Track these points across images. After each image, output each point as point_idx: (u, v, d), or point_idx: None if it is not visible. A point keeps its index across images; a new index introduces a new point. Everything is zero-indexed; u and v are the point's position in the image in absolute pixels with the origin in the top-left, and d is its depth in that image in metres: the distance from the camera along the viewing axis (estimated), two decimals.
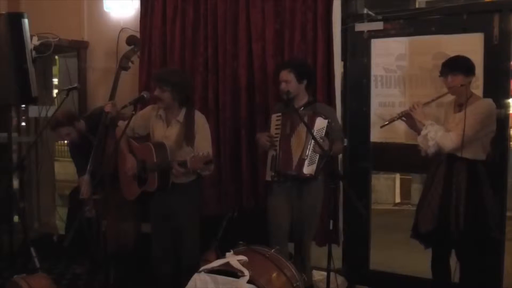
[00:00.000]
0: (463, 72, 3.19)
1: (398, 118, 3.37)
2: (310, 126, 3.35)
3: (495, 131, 3.29)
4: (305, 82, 3.54)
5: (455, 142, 3.16)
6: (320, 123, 3.42)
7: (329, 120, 3.45)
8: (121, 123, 3.72)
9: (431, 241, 3.40)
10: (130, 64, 4.10)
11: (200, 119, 3.59)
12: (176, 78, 3.53)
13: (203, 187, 3.95)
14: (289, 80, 3.50)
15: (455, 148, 3.18)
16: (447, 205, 3.23)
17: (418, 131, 3.33)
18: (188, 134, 3.49)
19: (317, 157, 3.43)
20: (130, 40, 4.14)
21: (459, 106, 3.28)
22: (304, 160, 3.42)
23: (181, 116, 3.55)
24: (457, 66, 3.21)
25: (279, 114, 3.58)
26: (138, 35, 4.70)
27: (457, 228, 3.17)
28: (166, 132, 3.57)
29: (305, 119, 3.36)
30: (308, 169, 3.43)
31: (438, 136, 3.20)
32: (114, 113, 3.86)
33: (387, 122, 3.44)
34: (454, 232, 3.18)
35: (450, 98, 3.40)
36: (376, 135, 4.03)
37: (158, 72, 3.84)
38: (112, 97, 3.98)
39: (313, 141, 3.37)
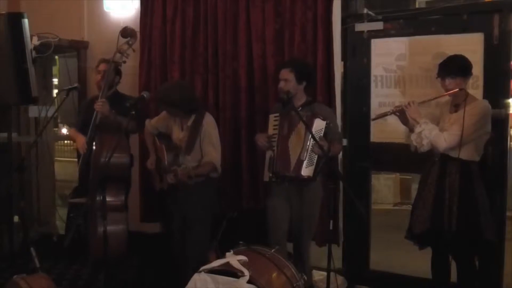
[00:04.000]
0: (461, 75, 3.18)
1: (391, 113, 3.35)
2: (309, 126, 3.34)
3: (493, 132, 3.28)
4: (304, 83, 3.53)
5: (449, 142, 3.16)
6: (319, 125, 3.40)
7: (328, 122, 3.43)
8: (147, 122, 3.89)
9: (425, 242, 3.40)
10: (124, 59, 3.93)
11: (208, 123, 3.65)
12: (174, 95, 3.55)
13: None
14: (288, 79, 3.49)
15: (448, 148, 3.18)
16: (440, 206, 3.22)
17: (410, 127, 3.32)
18: (189, 143, 3.59)
19: (316, 158, 3.42)
20: (125, 32, 3.94)
21: (455, 106, 3.28)
22: (302, 161, 3.41)
23: (190, 121, 3.65)
24: (455, 69, 3.19)
25: (277, 114, 3.57)
26: (138, 35, 4.70)
27: (450, 229, 3.17)
28: (180, 135, 3.69)
29: (303, 119, 3.36)
30: (306, 170, 3.42)
31: (432, 135, 3.19)
32: (106, 112, 3.83)
33: (378, 116, 3.43)
34: (447, 233, 3.18)
35: (446, 98, 3.39)
36: (376, 135, 4.03)
37: (157, 92, 3.86)
38: (102, 95, 3.90)
39: (311, 142, 3.37)
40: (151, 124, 3.90)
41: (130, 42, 3.97)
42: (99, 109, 3.84)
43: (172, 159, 3.63)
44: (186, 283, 2.91)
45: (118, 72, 4.09)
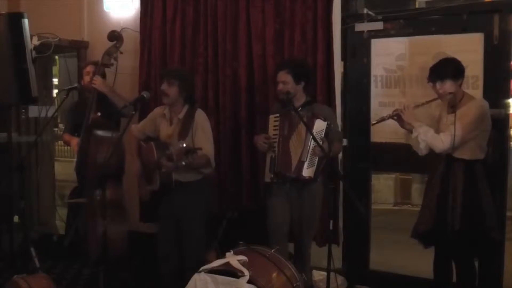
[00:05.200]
0: (451, 78, 3.17)
1: (388, 118, 3.36)
2: (309, 127, 3.34)
3: (493, 130, 3.28)
4: (303, 83, 3.52)
5: (446, 144, 3.16)
6: (319, 125, 3.40)
7: (328, 122, 3.43)
8: (133, 127, 3.81)
9: (430, 241, 3.41)
10: (112, 61, 4.06)
11: (200, 117, 3.62)
12: (184, 74, 3.74)
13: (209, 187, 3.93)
14: (286, 81, 3.48)
15: (446, 149, 3.19)
16: (444, 206, 3.23)
17: (408, 130, 3.33)
18: (182, 130, 3.54)
19: (317, 159, 3.42)
20: (112, 35, 4.07)
21: (452, 107, 3.28)
22: (303, 162, 3.40)
23: (182, 113, 3.60)
24: (444, 72, 3.19)
25: (277, 115, 3.56)
26: (138, 35, 4.71)
27: (454, 228, 3.17)
28: (169, 131, 3.62)
29: (304, 120, 3.35)
30: (307, 171, 3.41)
31: (428, 137, 3.21)
32: (102, 87, 3.96)
33: (376, 121, 3.44)
34: (451, 232, 3.18)
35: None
36: (376, 135, 4.04)
37: (166, 68, 4.03)
38: (94, 97, 4.04)
39: (312, 143, 3.36)
40: (137, 128, 3.80)
41: (118, 45, 4.08)
42: (96, 86, 3.99)
43: (162, 155, 3.45)
44: (186, 283, 2.91)
45: (103, 75, 4.18)
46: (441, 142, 3.17)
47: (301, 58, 3.91)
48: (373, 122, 3.49)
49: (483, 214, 3.17)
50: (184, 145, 3.21)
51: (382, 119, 3.39)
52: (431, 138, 3.20)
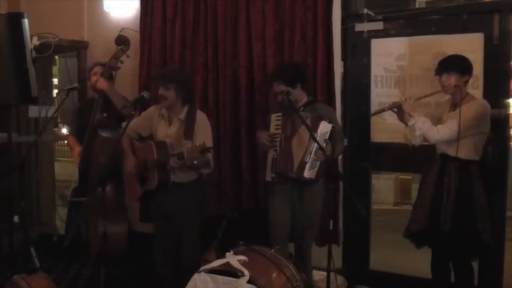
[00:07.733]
0: (458, 72, 3.20)
1: (388, 109, 3.37)
2: (312, 130, 3.32)
3: (493, 132, 3.29)
4: (299, 85, 3.51)
5: (442, 134, 3.17)
6: (325, 127, 3.38)
7: (334, 124, 3.42)
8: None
9: (422, 241, 3.41)
10: (119, 64, 4.11)
11: (201, 117, 3.61)
12: (179, 75, 3.61)
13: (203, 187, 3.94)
14: (283, 91, 3.47)
15: (440, 140, 3.19)
16: (437, 205, 3.23)
17: (406, 122, 3.33)
18: (187, 129, 3.50)
19: (319, 161, 3.42)
20: (119, 40, 4.12)
21: (454, 105, 3.29)
22: (305, 163, 3.40)
23: (182, 114, 3.57)
24: (452, 65, 3.22)
25: (279, 114, 3.56)
26: (138, 35, 4.71)
27: (445, 228, 3.17)
28: (168, 131, 3.58)
29: (308, 121, 3.34)
30: (309, 172, 3.41)
31: (425, 127, 3.21)
32: (106, 87, 3.98)
33: (376, 111, 3.44)
34: (443, 232, 3.18)
35: (446, 97, 3.40)
36: (376, 135, 4.04)
37: (160, 71, 3.93)
38: (100, 97, 4.06)
39: (315, 144, 3.35)
40: (130, 126, 3.61)
41: (124, 49, 4.12)
42: (99, 86, 4.01)
43: (162, 155, 3.43)
44: (184, 283, 2.92)
45: (111, 77, 4.19)
46: (437, 132, 3.18)
47: (288, 62, 3.91)
48: (372, 113, 3.49)
49: (475, 216, 3.17)
50: (201, 143, 3.19)
51: (382, 110, 3.40)
52: (427, 128, 3.20)
